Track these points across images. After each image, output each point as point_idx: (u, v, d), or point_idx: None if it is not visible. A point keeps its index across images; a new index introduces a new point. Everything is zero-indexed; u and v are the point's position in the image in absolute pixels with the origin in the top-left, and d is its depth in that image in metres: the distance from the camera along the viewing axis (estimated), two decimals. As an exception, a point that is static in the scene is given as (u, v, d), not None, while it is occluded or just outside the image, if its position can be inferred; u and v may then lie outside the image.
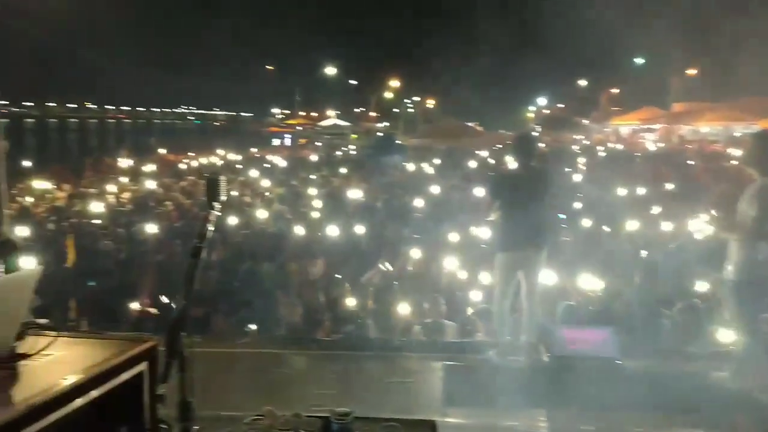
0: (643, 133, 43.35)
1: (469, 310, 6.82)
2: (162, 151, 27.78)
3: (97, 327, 6.77)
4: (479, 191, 11.36)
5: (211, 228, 2.56)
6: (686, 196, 13.31)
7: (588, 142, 34.74)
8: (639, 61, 42.46)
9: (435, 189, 13.78)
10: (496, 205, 5.52)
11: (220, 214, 2.63)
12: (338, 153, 30.16)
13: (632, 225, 9.76)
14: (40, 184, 15.77)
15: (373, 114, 54.11)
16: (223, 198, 2.64)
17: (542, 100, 62.02)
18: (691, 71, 39.38)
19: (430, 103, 62.13)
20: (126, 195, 14.59)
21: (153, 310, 6.94)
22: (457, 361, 5.44)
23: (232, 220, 10.53)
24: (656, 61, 39.87)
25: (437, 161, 21.15)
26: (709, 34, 31.27)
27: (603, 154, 26.94)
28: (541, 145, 28.83)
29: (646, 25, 38.37)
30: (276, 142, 47.73)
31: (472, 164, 19.50)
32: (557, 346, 5.27)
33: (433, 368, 5.25)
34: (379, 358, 5.51)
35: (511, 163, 6.04)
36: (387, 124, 66.69)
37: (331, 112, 64.90)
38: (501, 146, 23.15)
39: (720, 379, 5.11)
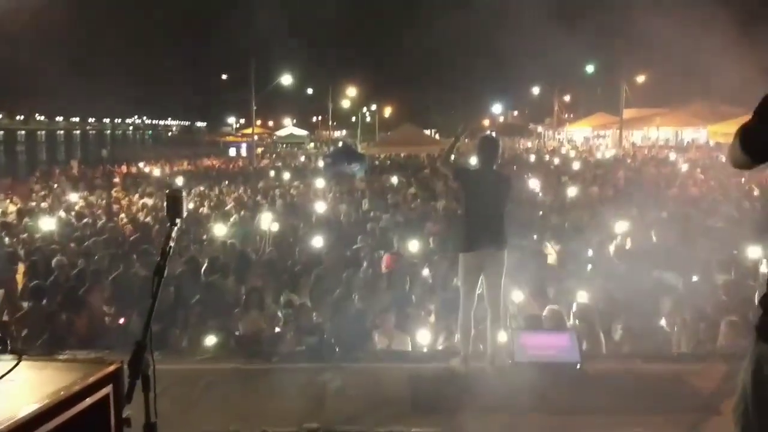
0: (595, 139, 44.55)
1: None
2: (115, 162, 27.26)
3: (49, 346, 6.58)
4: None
5: (172, 244, 2.53)
6: (638, 200, 13.66)
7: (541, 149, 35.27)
8: (590, 68, 43.49)
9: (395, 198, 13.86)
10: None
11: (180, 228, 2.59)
12: (295, 163, 30.06)
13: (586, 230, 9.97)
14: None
15: (330, 122, 54.19)
16: (185, 214, 2.61)
17: (497, 108, 62.91)
18: (642, 78, 40.59)
19: (388, 111, 62.47)
20: (78, 209, 14.20)
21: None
22: (421, 371, 5.46)
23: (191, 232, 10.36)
24: (607, 69, 41.00)
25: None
26: (659, 42, 32.25)
27: (557, 161, 27.51)
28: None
29: (597, 32, 39.49)
30: (233, 151, 47.33)
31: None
32: (519, 353, 5.33)
33: (398, 378, 5.24)
34: (343, 369, 5.48)
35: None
36: (345, 132, 66.71)
37: (287, 121, 64.60)
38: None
39: (677, 381, 5.26)
